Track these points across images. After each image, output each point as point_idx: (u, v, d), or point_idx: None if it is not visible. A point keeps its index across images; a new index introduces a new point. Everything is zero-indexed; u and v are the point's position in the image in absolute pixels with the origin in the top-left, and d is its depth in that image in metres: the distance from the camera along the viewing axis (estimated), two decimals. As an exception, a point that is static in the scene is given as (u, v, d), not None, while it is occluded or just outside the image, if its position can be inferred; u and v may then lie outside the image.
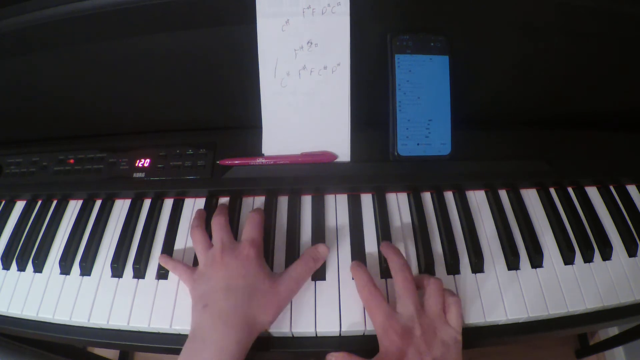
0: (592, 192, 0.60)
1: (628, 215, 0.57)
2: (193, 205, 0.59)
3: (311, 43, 0.54)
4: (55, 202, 0.61)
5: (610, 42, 0.58)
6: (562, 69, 0.60)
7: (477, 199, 0.59)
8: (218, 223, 0.52)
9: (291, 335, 0.49)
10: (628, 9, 0.54)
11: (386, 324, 0.44)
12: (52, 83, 0.61)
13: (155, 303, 0.51)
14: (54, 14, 0.53)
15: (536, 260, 0.53)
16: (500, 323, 0.49)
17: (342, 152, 0.57)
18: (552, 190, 0.59)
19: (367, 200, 0.58)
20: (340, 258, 0.53)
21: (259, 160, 0.58)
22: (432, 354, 0.42)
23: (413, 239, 0.55)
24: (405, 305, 0.45)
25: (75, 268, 0.54)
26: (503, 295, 0.50)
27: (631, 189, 0.61)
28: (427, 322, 0.44)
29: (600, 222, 0.57)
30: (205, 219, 0.55)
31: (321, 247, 0.51)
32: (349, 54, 0.54)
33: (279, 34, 0.53)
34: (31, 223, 0.59)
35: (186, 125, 0.62)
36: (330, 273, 0.52)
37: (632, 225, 0.56)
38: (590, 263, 0.53)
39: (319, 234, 0.54)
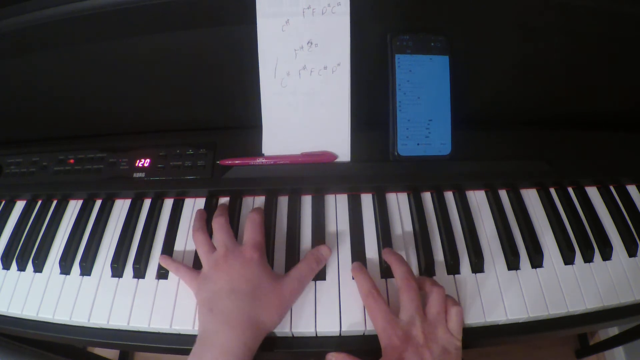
0: (592, 192, 0.60)
1: (628, 215, 0.57)
2: (193, 205, 0.59)
3: (311, 43, 0.54)
4: (55, 202, 0.61)
5: (610, 42, 0.58)
6: (562, 69, 0.60)
7: (477, 199, 0.59)
8: (219, 224, 0.52)
9: (291, 335, 0.49)
10: (628, 9, 0.54)
11: (388, 329, 0.45)
12: (52, 83, 0.61)
13: (155, 303, 0.51)
14: (54, 14, 0.53)
15: (536, 260, 0.53)
16: (500, 323, 0.49)
17: (342, 152, 0.57)
18: (552, 190, 0.59)
19: (367, 200, 0.58)
20: (341, 258, 0.53)
21: (259, 160, 0.58)
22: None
23: (413, 239, 0.55)
24: (408, 311, 0.45)
25: (75, 268, 0.54)
26: (503, 295, 0.50)
27: (631, 189, 0.61)
28: (428, 329, 0.44)
29: (600, 222, 0.57)
30: (206, 220, 0.55)
31: (323, 249, 0.51)
32: (349, 54, 0.54)
33: (279, 34, 0.53)
34: (31, 223, 0.59)
35: (186, 125, 0.62)
36: (331, 273, 0.52)
37: (632, 225, 0.56)
38: (590, 263, 0.53)
39: (319, 234, 0.54)
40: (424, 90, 0.56)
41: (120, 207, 0.60)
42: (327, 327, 0.48)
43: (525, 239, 0.55)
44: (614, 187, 0.60)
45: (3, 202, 0.62)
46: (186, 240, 0.56)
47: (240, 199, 0.59)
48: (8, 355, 0.69)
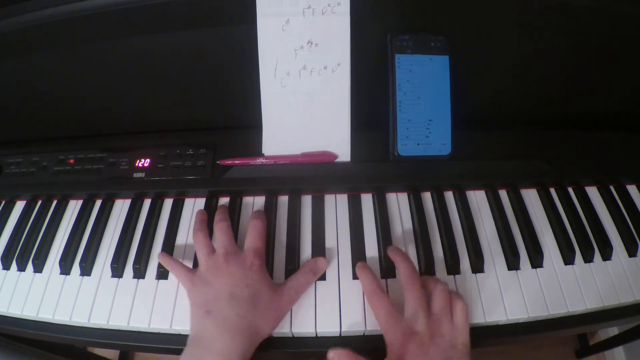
0: (592, 192, 0.60)
1: (628, 215, 0.57)
2: (193, 205, 0.59)
3: (311, 43, 0.54)
4: (55, 202, 0.61)
5: (610, 42, 0.58)
6: (562, 69, 0.60)
7: (477, 199, 0.59)
8: (220, 228, 0.52)
9: (291, 336, 0.49)
10: (628, 9, 0.54)
11: (392, 325, 0.45)
12: (52, 83, 0.61)
13: (155, 303, 0.51)
14: (54, 14, 0.53)
15: (536, 260, 0.53)
16: (500, 323, 0.49)
17: (342, 152, 0.57)
18: (552, 190, 0.59)
19: (367, 200, 0.58)
20: (341, 258, 0.53)
21: (259, 160, 0.58)
22: (441, 357, 0.43)
23: (413, 239, 0.55)
24: (413, 307, 0.45)
25: (75, 268, 0.54)
26: (503, 295, 0.50)
27: (631, 189, 0.61)
28: (433, 325, 0.44)
29: (600, 222, 0.57)
30: (206, 220, 0.55)
31: (321, 261, 0.51)
32: (349, 54, 0.54)
33: (279, 34, 0.53)
34: (31, 223, 0.59)
35: (186, 125, 0.62)
36: (331, 273, 0.52)
37: (632, 225, 0.56)
38: (591, 263, 0.53)
39: (319, 234, 0.54)
40: (424, 90, 0.56)
41: (120, 207, 0.60)
42: (327, 327, 0.48)
43: (525, 239, 0.55)
44: (614, 187, 0.60)
45: (3, 202, 0.62)
46: (186, 241, 0.56)
47: (240, 199, 0.59)
48: (8, 355, 0.69)
